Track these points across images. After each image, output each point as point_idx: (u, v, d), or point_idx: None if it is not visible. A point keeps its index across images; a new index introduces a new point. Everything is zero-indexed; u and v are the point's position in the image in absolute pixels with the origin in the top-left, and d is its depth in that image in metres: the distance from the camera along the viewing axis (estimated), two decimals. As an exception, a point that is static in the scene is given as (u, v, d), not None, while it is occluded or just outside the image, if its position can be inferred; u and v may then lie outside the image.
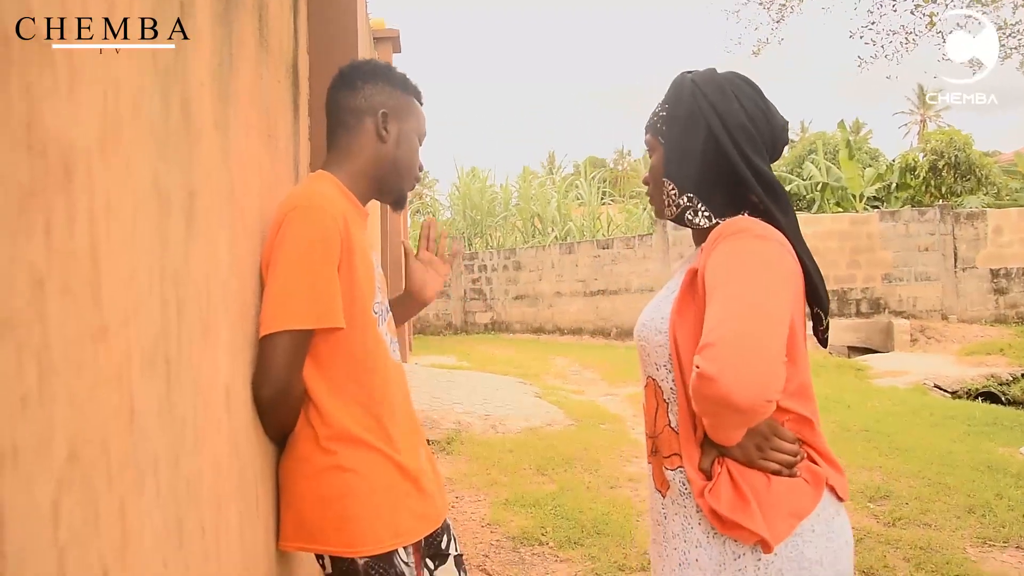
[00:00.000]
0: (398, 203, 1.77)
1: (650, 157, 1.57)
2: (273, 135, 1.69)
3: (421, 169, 1.78)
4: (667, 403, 1.44)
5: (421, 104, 1.78)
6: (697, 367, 1.21)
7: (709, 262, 1.34)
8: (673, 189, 1.48)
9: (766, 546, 1.29)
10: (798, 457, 1.35)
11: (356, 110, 1.68)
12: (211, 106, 1.19)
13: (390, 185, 1.72)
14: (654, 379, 1.48)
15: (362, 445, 1.54)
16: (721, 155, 1.44)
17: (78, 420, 0.71)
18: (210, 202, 1.16)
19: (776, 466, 1.33)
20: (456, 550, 1.80)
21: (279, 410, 1.48)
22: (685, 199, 1.47)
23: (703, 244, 1.44)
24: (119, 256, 0.81)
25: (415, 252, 1.97)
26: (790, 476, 1.34)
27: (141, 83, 0.89)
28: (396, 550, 1.55)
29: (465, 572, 1.80)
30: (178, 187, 1.01)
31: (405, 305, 1.97)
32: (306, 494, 1.52)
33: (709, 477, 1.35)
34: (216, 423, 1.16)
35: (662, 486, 1.46)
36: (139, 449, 0.85)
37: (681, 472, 1.40)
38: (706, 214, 1.46)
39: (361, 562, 1.52)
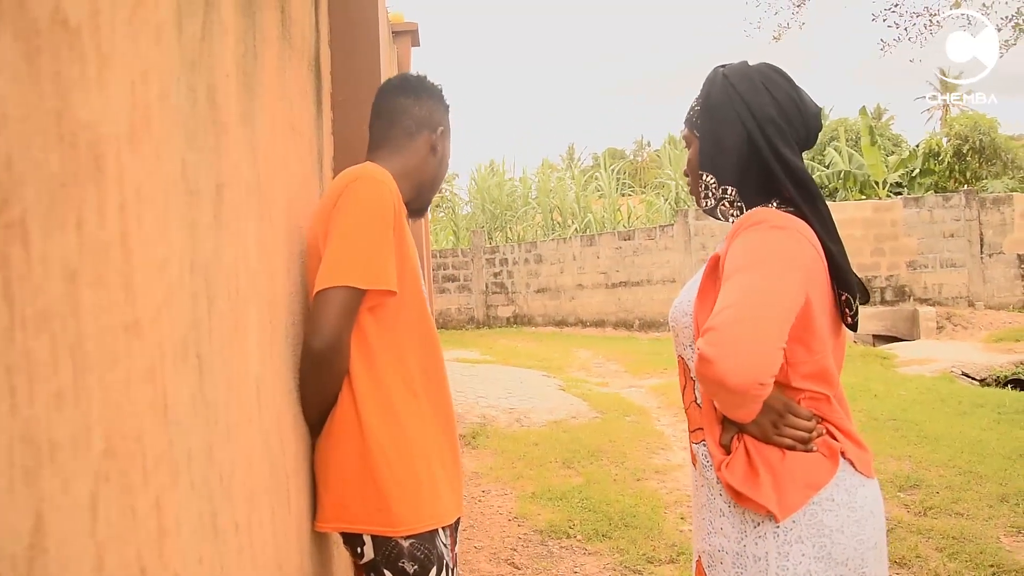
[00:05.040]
0: (420, 212, 1.85)
1: (687, 150, 1.63)
2: (297, 128, 1.69)
3: None
4: (693, 380, 1.53)
5: None
6: (698, 349, 1.30)
7: (729, 251, 1.42)
8: (712, 180, 1.55)
9: (775, 517, 1.37)
10: (814, 433, 1.41)
11: (418, 119, 1.76)
12: (236, 97, 1.18)
13: (424, 194, 1.81)
14: (683, 358, 1.57)
15: (404, 423, 1.54)
16: (753, 148, 1.50)
17: (113, 414, 0.70)
18: (238, 195, 1.16)
19: (790, 441, 1.40)
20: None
21: (326, 368, 1.49)
22: (722, 191, 1.54)
23: (728, 233, 1.52)
24: (150, 248, 0.80)
25: None
26: (806, 451, 1.40)
27: (168, 73, 0.88)
28: (437, 530, 1.55)
29: None
30: (207, 178, 1.00)
31: None
32: (346, 474, 1.52)
33: (729, 452, 1.43)
34: (247, 417, 1.16)
35: (693, 459, 1.55)
36: (174, 444, 0.84)
37: (704, 446, 1.49)
38: (738, 205, 1.54)
39: (406, 544, 1.52)
